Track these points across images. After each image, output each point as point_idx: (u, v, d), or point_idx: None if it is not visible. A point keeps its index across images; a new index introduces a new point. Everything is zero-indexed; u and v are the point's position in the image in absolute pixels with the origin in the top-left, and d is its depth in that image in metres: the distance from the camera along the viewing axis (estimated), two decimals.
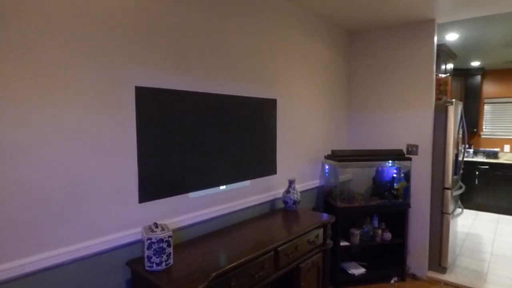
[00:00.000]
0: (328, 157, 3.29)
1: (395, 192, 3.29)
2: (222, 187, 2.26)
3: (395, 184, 3.34)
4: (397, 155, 3.24)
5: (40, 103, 1.38)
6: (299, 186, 2.95)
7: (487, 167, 5.69)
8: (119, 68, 1.64)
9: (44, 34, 1.38)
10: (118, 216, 1.67)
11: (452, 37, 3.91)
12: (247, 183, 2.46)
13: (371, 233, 3.25)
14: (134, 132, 1.72)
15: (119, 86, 1.64)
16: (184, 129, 1.97)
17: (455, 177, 3.41)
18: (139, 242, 1.76)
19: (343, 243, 3.12)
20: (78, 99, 1.50)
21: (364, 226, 3.26)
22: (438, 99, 3.46)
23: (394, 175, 3.37)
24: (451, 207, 3.33)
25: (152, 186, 1.82)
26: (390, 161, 3.35)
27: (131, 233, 1.72)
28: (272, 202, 2.72)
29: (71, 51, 1.46)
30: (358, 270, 3.22)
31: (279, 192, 2.75)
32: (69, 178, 1.48)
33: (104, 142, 1.60)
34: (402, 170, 3.36)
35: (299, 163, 3.03)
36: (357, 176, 3.61)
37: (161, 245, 1.55)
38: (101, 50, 1.57)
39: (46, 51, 1.38)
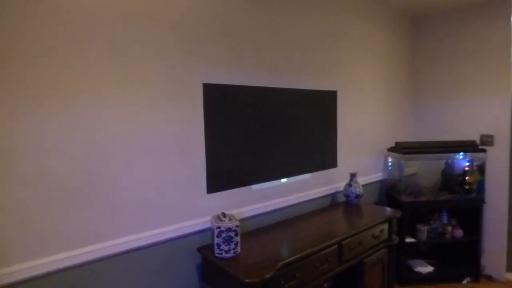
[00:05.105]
0: (391, 149, 3.15)
1: (467, 187, 3.05)
2: (283, 180, 2.29)
3: (467, 177, 3.09)
4: (469, 147, 3.00)
5: (131, 107, 1.52)
6: (360, 180, 2.87)
7: None
8: (188, 67, 1.74)
9: (132, 40, 1.51)
10: (189, 205, 1.79)
11: None
12: (307, 176, 2.46)
13: (440, 229, 3.05)
14: (202, 127, 1.81)
15: (188, 84, 1.74)
16: (247, 123, 2.02)
17: None
18: (208, 230, 1.86)
19: (409, 240, 2.98)
20: (155, 99, 1.62)
21: (432, 222, 3.08)
22: None
23: (466, 168, 3.12)
24: None
25: (219, 178, 1.90)
26: (462, 153, 3.10)
27: (201, 222, 1.82)
28: (333, 195, 2.69)
29: (149, 54, 1.58)
30: (425, 268, 3.05)
31: (340, 185, 2.70)
32: (150, 171, 1.61)
33: (177, 137, 1.71)
34: (475, 163, 3.10)
35: (360, 156, 2.95)
36: (424, 169, 3.39)
37: (229, 233, 1.63)
38: (173, 50, 1.67)
39: (133, 57, 1.52)
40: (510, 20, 2.91)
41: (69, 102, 1.37)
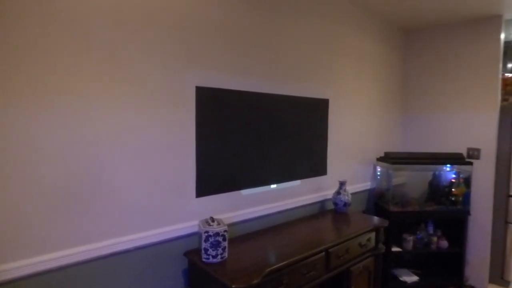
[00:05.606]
0: (380, 159, 3.18)
1: (453, 198, 3.10)
2: (273, 186, 2.29)
3: (453, 189, 3.14)
4: (456, 159, 3.05)
5: (120, 108, 1.51)
6: (349, 188, 2.89)
7: None
8: (181, 69, 1.73)
9: (124, 41, 1.50)
10: (177, 208, 1.77)
11: None
12: (297, 182, 2.46)
13: (426, 240, 3.09)
14: (193, 130, 1.81)
15: (181, 86, 1.74)
16: (238, 128, 2.02)
17: None
18: (196, 234, 1.84)
19: (395, 249, 3.00)
20: (147, 101, 1.61)
21: (418, 232, 3.11)
22: (504, 100, 3.20)
23: (453, 180, 3.17)
24: None
25: (208, 182, 1.90)
26: (449, 165, 3.16)
27: (188, 226, 1.81)
28: (322, 203, 2.70)
29: (143, 56, 1.58)
30: (410, 278, 3.08)
31: (329, 193, 2.72)
32: (139, 173, 1.60)
33: (167, 139, 1.70)
34: (461, 175, 3.15)
35: (349, 165, 2.97)
36: (411, 180, 3.44)
37: (217, 238, 1.62)
38: (166, 53, 1.67)
39: (124, 57, 1.51)
40: (499, 36, 2.99)
41: (64, 102, 1.35)
